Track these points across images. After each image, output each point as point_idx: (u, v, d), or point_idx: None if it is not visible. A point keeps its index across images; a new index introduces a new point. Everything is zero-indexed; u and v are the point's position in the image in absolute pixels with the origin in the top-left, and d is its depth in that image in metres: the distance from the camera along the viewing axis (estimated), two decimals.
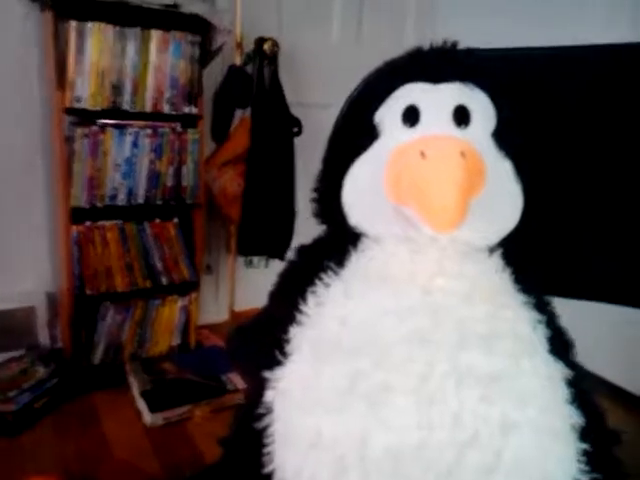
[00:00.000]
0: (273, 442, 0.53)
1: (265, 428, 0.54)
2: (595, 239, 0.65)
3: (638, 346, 1.55)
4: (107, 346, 1.47)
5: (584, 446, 0.49)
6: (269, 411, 0.53)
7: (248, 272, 1.79)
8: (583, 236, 0.66)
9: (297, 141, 1.70)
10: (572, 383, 0.51)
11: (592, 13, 1.61)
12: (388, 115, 0.61)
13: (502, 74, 0.63)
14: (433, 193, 0.51)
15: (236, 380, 1.41)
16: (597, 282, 0.66)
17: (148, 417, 1.24)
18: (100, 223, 1.46)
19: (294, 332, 0.55)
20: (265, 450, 0.53)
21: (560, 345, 0.54)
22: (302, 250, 0.68)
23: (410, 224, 0.56)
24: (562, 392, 0.50)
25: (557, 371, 0.50)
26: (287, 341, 0.55)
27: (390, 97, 0.61)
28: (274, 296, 0.68)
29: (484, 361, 0.47)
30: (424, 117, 0.58)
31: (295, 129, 1.66)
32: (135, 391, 1.34)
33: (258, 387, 0.56)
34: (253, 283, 1.87)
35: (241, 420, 0.59)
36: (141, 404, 1.28)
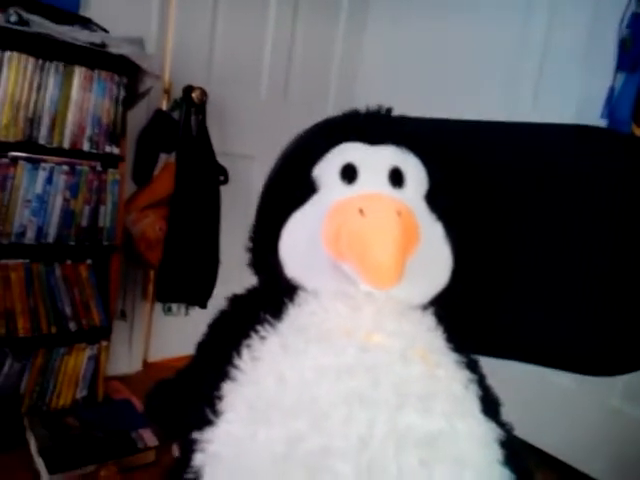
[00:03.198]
0: None
1: None
2: (522, 300, 0.69)
3: (560, 411, 1.64)
4: (2, 397, 1.32)
5: None
6: (198, 476, 0.50)
7: (165, 320, 1.72)
8: (511, 297, 0.70)
9: (222, 190, 1.69)
10: (504, 443, 0.52)
11: (495, 89, 1.78)
12: (326, 171, 0.62)
13: (432, 141, 0.67)
14: (372, 250, 0.52)
15: (147, 437, 1.32)
16: (526, 343, 0.69)
17: (47, 479, 1.12)
18: (3, 262, 1.34)
19: (227, 389, 0.53)
20: None
21: (490, 404, 0.56)
22: (235, 300, 0.66)
23: (348, 280, 0.56)
24: (495, 453, 0.51)
25: (490, 431, 0.51)
26: (219, 398, 0.53)
27: (328, 154, 0.63)
28: (203, 348, 0.65)
29: (422, 422, 0.47)
30: (362, 175, 0.60)
31: (221, 177, 1.66)
32: (33, 449, 1.21)
33: (184, 449, 0.53)
34: (170, 332, 1.79)
35: None
36: (39, 464, 1.16)
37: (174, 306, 1.65)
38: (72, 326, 1.41)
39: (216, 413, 0.52)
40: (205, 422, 0.52)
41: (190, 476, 0.50)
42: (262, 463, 0.46)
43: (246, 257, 0.68)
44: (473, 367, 0.58)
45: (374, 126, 0.64)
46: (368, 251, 0.52)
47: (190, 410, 0.57)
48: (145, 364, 1.75)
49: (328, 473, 0.45)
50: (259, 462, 0.47)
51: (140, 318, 1.77)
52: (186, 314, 1.66)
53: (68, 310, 1.41)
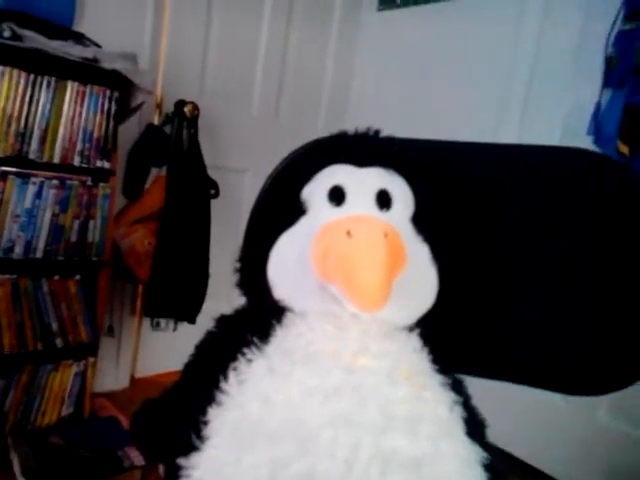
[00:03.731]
0: None
1: None
2: (509, 320, 0.69)
3: (550, 426, 1.65)
4: None
5: None
6: None
7: (153, 336, 1.71)
8: (498, 317, 0.70)
9: (212, 203, 1.70)
10: (487, 466, 0.52)
11: (483, 104, 1.81)
12: (315, 193, 0.62)
13: (419, 162, 0.68)
14: (358, 272, 0.52)
15: (134, 456, 1.30)
16: (514, 363, 0.70)
17: None
18: None
19: (213, 413, 0.53)
20: None
21: (475, 426, 0.56)
22: (223, 321, 0.66)
23: (335, 301, 0.57)
24: (479, 476, 0.51)
25: (474, 454, 0.51)
26: (204, 423, 0.53)
27: (317, 175, 0.64)
28: (190, 369, 0.65)
29: (407, 445, 0.47)
30: (350, 198, 0.60)
31: (212, 191, 1.66)
32: (17, 469, 1.19)
33: (170, 473, 0.52)
34: (158, 347, 1.78)
35: None
36: None
37: (162, 321, 1.64)
38: (59, 342, 1.39)
39: (201, 438, 0.52)
40: (190, 447, 0.51)
41: None
42: None
43: (234, 277, 0.68)
44: (458, 388, 0.58)
45: (362, 148, 0.65)
46: (355, 273, 0.52)
47: (176, 434, 0.56)
48: (132, 380, 1.73)
49: None
50: None
51: (128, 333, 1.76)
52: (174, 329, 1.64)
53: (55, 326, 1.40)
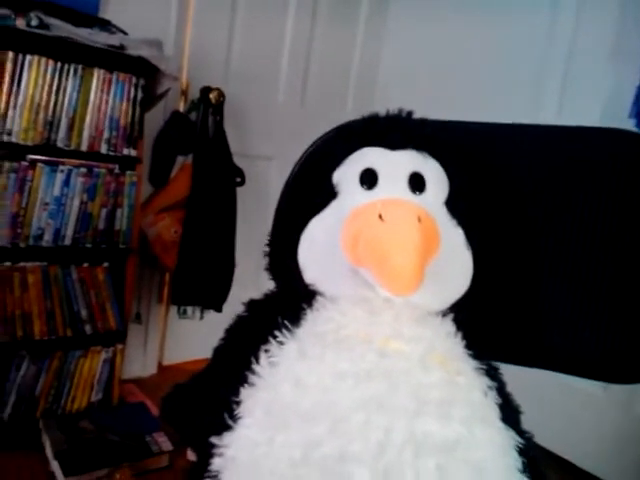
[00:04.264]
0: None
1: None
2: (545, 305, 0.68)
3: (584, 419, 1.60)
4: (18, 400, 1.33)
5: None
6: None
7: (180, 323, 1.72)
8: (531, 302, 0.68)
9: (238, 191, 1.70)
10: (522, 451, 0.51)
11: (520, 89, 1.77)
12: (346, 176, 0.61)
13: (452, 145, 0.66)
14: (392, 255, 0.51)
15: (161, 441, 1.32)
16: (549, 350, 0.68)
17: None
18: (21, 264, 1.36)
19: (245, 394, 0.52)
20: None
21: (510, 412, 0.55)
22: (252, 305, 0.66)
23: (366, 285, 0.56)
24: (514, 461, 0.50)
25: (509, 439, 0.50)
26: (237, 403, 0.52)
27: (348, 159, 0.62)
28: (221, 352, 0.65)
29: (440, 429, 0.46)
30: (382, 181, 0.59)
31: (238, 179, 1.66)
32: (49, 452, 1.22)
33: (202, 453, 0.52)
34: (185, 335, 1.80)
35: None
36: (55, 466, 1.17)
37: (189, 309, 1.65)
38: (88, 329, 1.41)
39: (234, 418, 0.52)
40: (223, 427, 0.52)
41: None
42: (279, 467, 0.46)
43: (263, 261, 0.68)
44: (493, 374, 0.56)
45: (394, 131, 0.63)
46: (387, 257, 0.51)
47: (207, 414, 0.56)
48: (160, 367, 1.75)
49: (345, 478, 0.44)
50: (276, 466, 0.46)
51: (155, 321, 1.78)
52: (201, 318, 1.66)
53: (84, 313, 1.42)
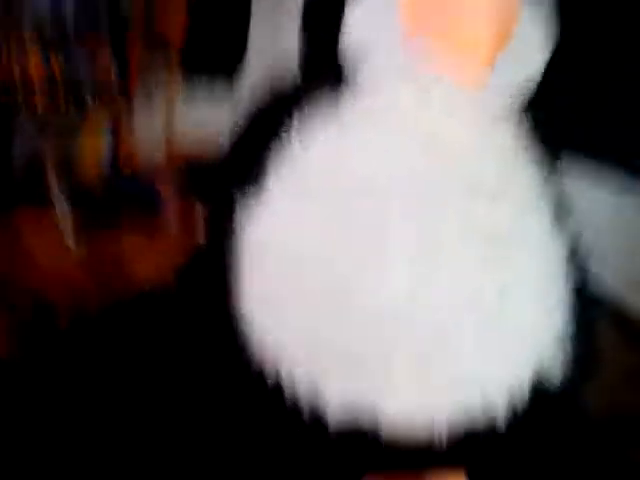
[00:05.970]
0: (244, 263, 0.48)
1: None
2: (611, 102, 0.60)
3: None
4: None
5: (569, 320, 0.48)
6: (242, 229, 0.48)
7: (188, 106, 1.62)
8: (601, 96, 0.60)
9: None
10: (569, 257, 0.49)
11: None
12: None
13: None
14: (460, 24, 0.43)
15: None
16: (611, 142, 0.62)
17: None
18: None
19: (276, 165, 0.48)
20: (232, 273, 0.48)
21: (562, 212, 0.51)
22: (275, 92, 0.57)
23: (419, 58, 0.47)
24: (559, 263, 0.48)
25: (558, 239, 0.48)
26: (266, 174, 0.48)
27: None
28: (252, 125, 0.58)
29: (490, 219, 0.43)
30: None
31: None
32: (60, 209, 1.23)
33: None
34: (193, 119, 1.70)
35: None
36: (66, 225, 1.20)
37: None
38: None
39: (262, 188, 0.48)
40: (252, 194, 0.48)
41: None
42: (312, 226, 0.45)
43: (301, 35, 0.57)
44: (550, 170, 0.51)
45: None
46: (455, 25, 0.43)
47: (236, 179, 0.52)
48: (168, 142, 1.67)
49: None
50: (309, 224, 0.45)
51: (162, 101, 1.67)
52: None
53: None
